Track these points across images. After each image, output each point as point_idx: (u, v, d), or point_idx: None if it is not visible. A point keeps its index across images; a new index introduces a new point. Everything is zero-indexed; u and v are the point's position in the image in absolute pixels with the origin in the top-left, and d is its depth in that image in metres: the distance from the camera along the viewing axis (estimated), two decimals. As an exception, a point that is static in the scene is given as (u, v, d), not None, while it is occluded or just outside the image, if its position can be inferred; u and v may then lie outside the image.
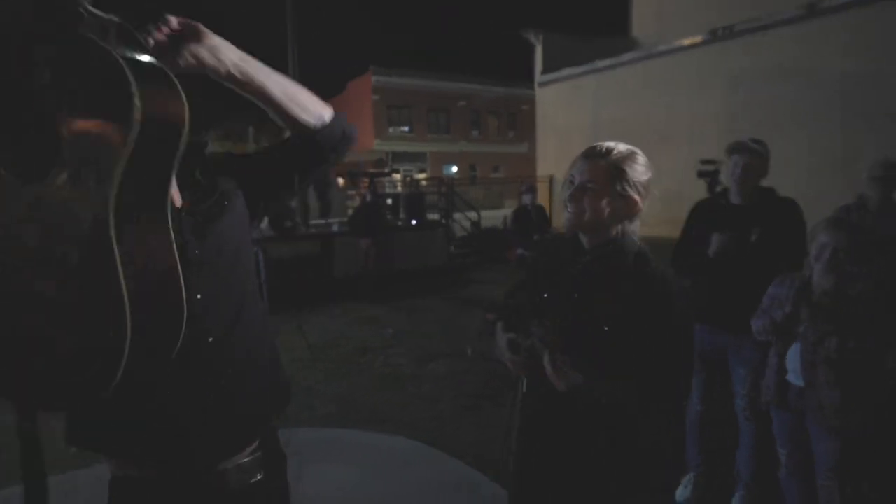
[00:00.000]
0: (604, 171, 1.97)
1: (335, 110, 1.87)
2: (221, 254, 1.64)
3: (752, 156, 3.49)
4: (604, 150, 2.00)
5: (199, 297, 1.53)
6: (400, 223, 13.66)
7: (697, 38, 17.23)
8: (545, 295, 2.12)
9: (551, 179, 22.00)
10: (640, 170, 2.01)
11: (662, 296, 1.91)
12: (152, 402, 1.53)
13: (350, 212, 15.15)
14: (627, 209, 1.98)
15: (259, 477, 1.72)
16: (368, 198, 12.08)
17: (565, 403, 1.95)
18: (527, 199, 9.12)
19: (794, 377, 3.05)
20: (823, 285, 2.93)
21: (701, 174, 4.95)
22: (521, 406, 2.17)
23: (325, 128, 1.81)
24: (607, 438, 1.94)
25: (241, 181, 1.78)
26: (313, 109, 1.78)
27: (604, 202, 1.95)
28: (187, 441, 1.57)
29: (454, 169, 44.18)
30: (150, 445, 1.55)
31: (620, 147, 2.02)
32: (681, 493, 3.99)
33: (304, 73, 16.26)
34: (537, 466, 2.14)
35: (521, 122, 46.87)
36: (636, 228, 2.07)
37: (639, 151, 2.07)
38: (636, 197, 1.98)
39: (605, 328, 1.89)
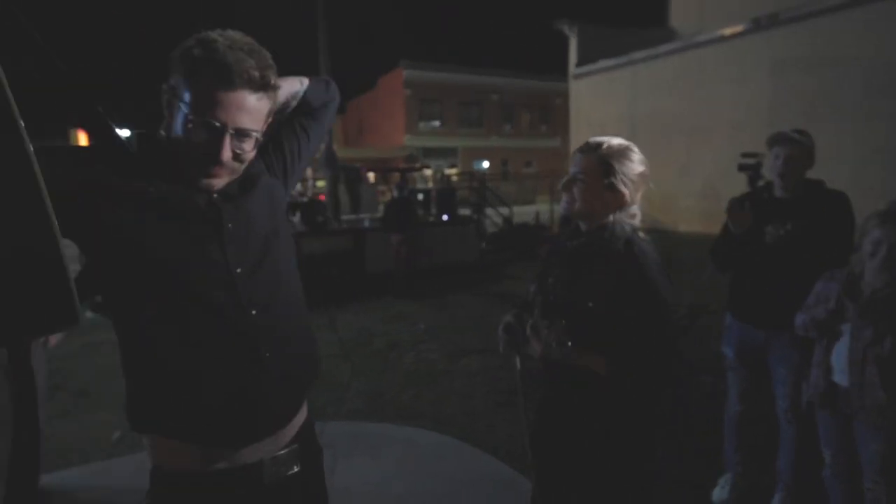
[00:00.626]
0: (594, 165, 2.17)
1: (338, 96, 2.10)
2: (253, 230, 1.71)
3: (794, 147, 3.38)
4: (595, 144, 2.21)
5: (238, 270, 1.64)
6: (431, 219, 13.67)
7: (739, 28, 16.90)
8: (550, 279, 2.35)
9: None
10: (631, 164, 2.18)
11: (644, 276, 2.07)
12: (203, 375, 1.60)
13: (381, 207, 15.21)
14: (616, 201, 2.16)
15: (296, 469, 1.79)
16: (398, 193, 12.11)
17: (567, 392, 2.25)
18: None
19: (841, 377, 2.98)
20: (876, 283, 2.82)
21: (742, 167, 4.89)
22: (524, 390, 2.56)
23: (308, 89, 1.95)
24: (603, 429, 2.16)
25: (266, 159, 1.89)
26: (291, 87, 1.89)
27: (593, 193, 2.16)
28: (240, 411, 1.64)
29: (485, 164, 44.09)
30: (204, 418, 1.61)
31: (613, 142, 2.20)
32: (718, 493, 3.95)
33: (335, 68, 16.36)
34: (549, 454, 2.41)
35: (554, 115, 46.64)
36: (630, 217, 2.23)
37: (632, 146, 2.23)
38: (624, 190, 2.15)
39: (590, 304, 2.10)
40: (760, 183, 3.71)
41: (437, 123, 44.19)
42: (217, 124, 1.52)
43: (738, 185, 4.74)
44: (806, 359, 3.38)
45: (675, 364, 2.20)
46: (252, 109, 1.56)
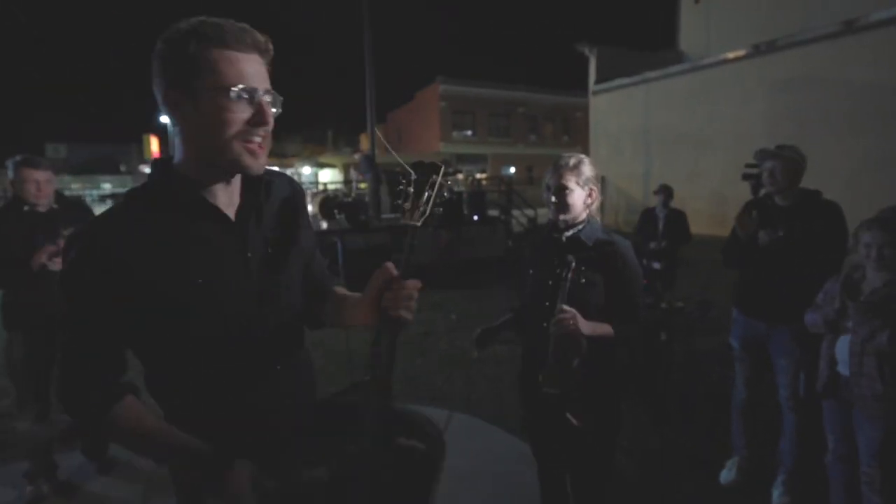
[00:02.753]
0: (571, 175, 2.49)
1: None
2: (273, 244, 1.54)
3: (777, 161, 3.43)
4: (564, 160, 2.53)
5: (261, 288, 1.49)
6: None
7: (741, 52, 16.85)
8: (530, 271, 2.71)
9: (603, 180, 21.77)
10: (590, 169, 2.52)
11: (622, 258, 2.44)
12: (232, 394, 1.48)
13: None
14: (590, 199, 2.53)
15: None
16: (446, 194, 12.07)
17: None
18: (659, 198, 7.35)
19: (843, 367, 2.97)
20: (875, 282, 2.85)
21: (745, 177, 4.85)
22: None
23: None
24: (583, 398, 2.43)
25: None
26: None
27: (576, 196, 2.49)
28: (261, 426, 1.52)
29: (512, 170, 44.11)
30: (229, 434, 1.47)
31: (573, 157, 2.53)
32: (725, 474, 3.88)
33: (378, 84, 16.39)
34: (536, 419, 2.78)
35: (574, 127, 46.53)
36: (596, 211, 2.60)
37: (585, 157, 2.56)
38: (594, 188, 2.53)
39: (583, 280, 2.37)
40: (763, 191, 3.72)
41: (469, 133, 44.26)
42: (253, 87, 1.32)
43: (742, 191, 4.66)
44: (805, 351, 3.41)
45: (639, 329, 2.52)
46: (265, 74, 1.38)
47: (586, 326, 2.33)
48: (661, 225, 7.15)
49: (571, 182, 2.48)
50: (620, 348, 2.52)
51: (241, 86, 1.30)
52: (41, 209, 3.67)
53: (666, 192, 7.24)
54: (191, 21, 1.30)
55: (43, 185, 3.64)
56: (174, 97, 1.32)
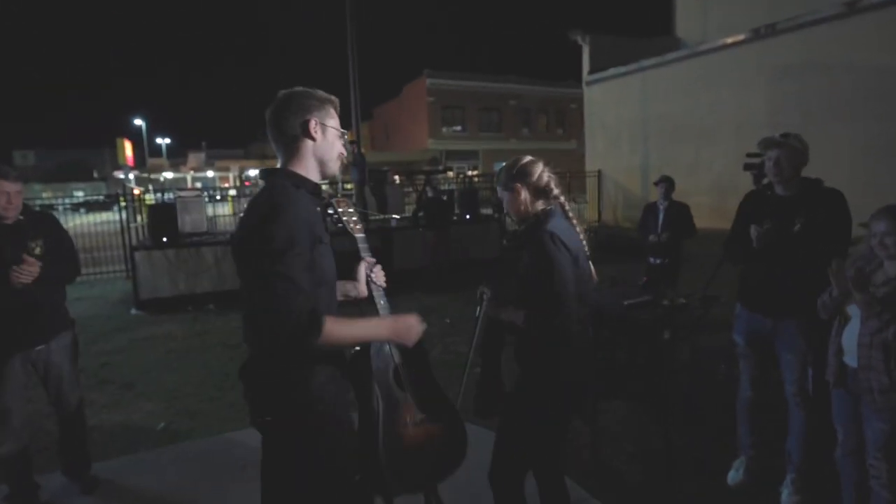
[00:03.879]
0: (498, 185, 2.89)
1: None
2: None
3: (781, 150, 3.46)
4: (512, 165, 2.83)
5: None
6: (455, 218, 13.61)
7: (740, 37, 16.85)
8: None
9: (599, 174, 21.85)
10: (534, 172, 2.76)
11: (534, 249, 2.60)
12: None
13: (408, 208, 15.19)
14: (518, 195, 2.76)
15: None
16: (430, 194, 12.11)
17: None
18: (660, 190, 7.27)
19: (851, 359, 3.01)
20: (890, 272, 2.89)
21: (747, 167, 4.89)
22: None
23: None
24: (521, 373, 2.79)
25: None
26: None
27: (506, 199, 2.83)
28: None
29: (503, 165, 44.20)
30: None
31: (521, 160, 2.83)
32: (732, 476, 3.92)
33: (363, 77, 16.39)
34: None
35: (569, 119, 46.67)
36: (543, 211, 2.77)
37: (529, 159, 2.84)
38: (517, 185, 2.76)
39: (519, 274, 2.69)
40: (765, 181, 3.75)
41: (458, 128, 44.33)
42: (343, 131, 2.39)
43: (744, 181, 4.70)
44: (813, 345, 3.44)
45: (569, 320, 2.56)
46: None
47: (504, 312, 2.77)
48: (661, 218, 7.13)
49: (499, 190, 2.88)
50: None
51: (342, 130, 2.37)
52: (8, 221, 3.66)
53: (667, 183, 7.19)
54: (318, 95, 2.26)
55: (13, 197, 3.62)
56: (315, 126, 2.21)
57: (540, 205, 2.75)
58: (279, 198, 2.04)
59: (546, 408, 2.69)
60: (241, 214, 2.36)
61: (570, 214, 2.80)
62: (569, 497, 2.98)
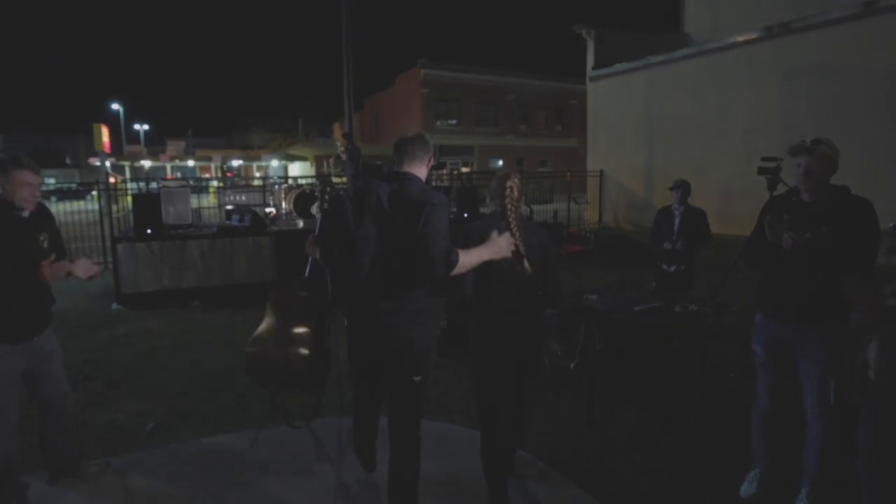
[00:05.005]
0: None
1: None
2: None
3: (812, 157, 3.50)
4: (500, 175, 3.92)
5: None
6: (452, 216, 13.62)
7: (752, 35, 16.91)
8: None
9: (601, 174, 21.90)
10: (516, 179, 3.85)
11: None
12: None
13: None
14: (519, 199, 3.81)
15: None
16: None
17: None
18: (676, 195, 7.18)
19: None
20: None
21: (762, 171, 4.95)
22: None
23: None
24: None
25: None
26: None
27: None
28: None
29: (500, 163, 44.19)
30: None
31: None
32: (745, 488, 3.98)
33: (355, 67, 16.40)
34: None
35: (569, 116, 46.69)
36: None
37: (511, 172, 4.06)
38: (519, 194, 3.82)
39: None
40: (788, 186, 3.77)
41: (454, 122, 44.27)
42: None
43: (755, 186, 4.74)
44: (836, 355, 3.49)
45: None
46: None
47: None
48: (676, 224, 7.12)
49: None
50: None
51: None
52: (25, 214, 3.75)
53: (683, 187, 7.18)
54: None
55: (36, 189, 3.75)
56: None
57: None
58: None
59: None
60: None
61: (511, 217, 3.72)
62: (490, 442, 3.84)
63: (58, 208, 21.94)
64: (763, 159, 4.84)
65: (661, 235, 7.15)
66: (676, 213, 7.09)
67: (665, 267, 7.10)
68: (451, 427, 5.11)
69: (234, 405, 5.66)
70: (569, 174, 20.94)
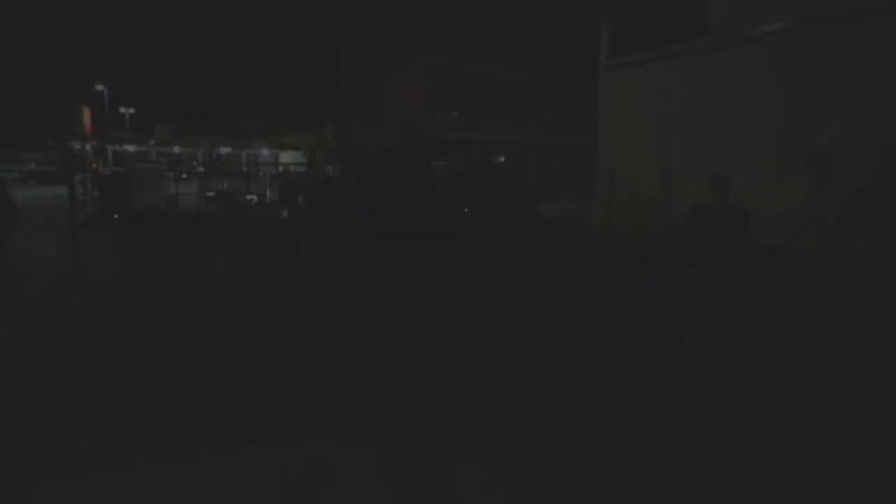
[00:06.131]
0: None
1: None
2: None
3: None
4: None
5: None
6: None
7: (783, 26, 16.35)
8: None
9: (612, 172, 21.33)
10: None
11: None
12: None
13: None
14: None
15: None
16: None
17: None
18: (717, 194, 6.77)
19: None
20: None
21: (812, 166, 4.45)
22: None
23: None
24: None
25: None
26: None
27: None
28: None
29: (502, 158, 44.19)
30: None
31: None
32: None
33: (356, 56, 15.93)
34: None
35: (577, 111, 46.59)
36: None
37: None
38: None
39: None
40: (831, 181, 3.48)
41: (455, 114, 44.24)
42: None
43: (788, 190, 4.20)
44: None
45: None
46: None
47: None
48: (716, 226, 6.52)
49: None
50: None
51: None
52: None
53: (723, 184, 6.67)
54: None
55: None
56: None
57: None
58: None
59: None
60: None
61: None
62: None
63: (37, 192, 21.41)
64: (811, 153, 4.44)
65: (697, 238, 6.47)
66: (716, 213, 6.41)
67: (696, 273, 6.49)
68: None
69: (205, 414, 4.98)
70: (578, 175, 20.54)
